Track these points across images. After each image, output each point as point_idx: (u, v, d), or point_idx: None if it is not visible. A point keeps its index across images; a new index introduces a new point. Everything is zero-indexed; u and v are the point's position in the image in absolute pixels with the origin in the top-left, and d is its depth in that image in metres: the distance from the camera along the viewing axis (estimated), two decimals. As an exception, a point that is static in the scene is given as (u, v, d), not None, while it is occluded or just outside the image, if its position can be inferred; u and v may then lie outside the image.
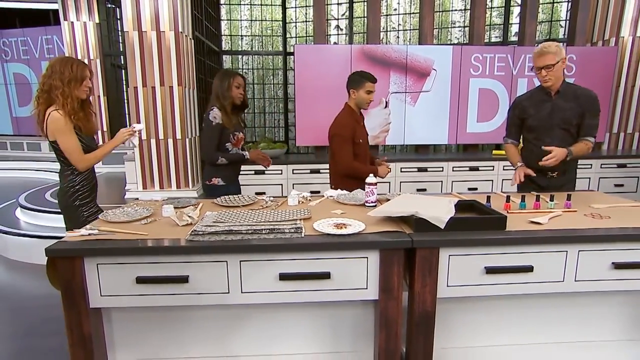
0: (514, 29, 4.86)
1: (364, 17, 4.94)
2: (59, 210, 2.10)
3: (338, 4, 5.06)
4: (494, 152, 4.40)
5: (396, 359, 1.48)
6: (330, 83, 4.16)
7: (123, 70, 6.45)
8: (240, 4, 5.13)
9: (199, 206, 1.87)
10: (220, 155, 2.32)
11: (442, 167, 4.11)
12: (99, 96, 6.06)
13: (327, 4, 4.92)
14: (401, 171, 4.06)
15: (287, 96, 5.19)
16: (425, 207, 1.52)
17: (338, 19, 5.09)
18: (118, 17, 6.27)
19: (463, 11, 4.92)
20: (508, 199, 1.78)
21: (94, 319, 1.41)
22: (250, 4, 5.12)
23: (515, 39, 4.83)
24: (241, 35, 5.20)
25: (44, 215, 3.70)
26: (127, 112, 6.36)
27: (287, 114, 5.20)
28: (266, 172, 3.89)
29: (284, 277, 1.39)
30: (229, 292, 1.41)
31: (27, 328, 2.39)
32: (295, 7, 5.12)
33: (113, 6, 6.23)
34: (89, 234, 1.44)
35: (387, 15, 5.03)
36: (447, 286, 1.45)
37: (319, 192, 2.28)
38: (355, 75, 2.36)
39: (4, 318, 2.53)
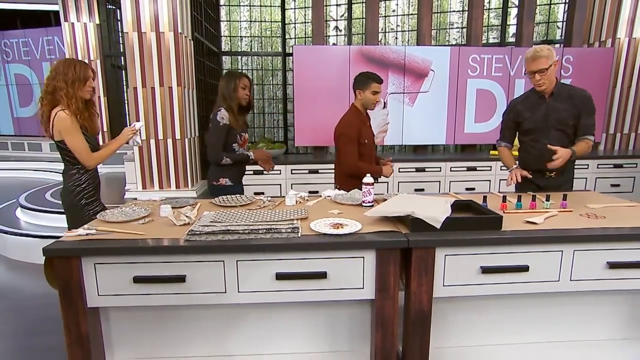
0: (512, 30, 4.87)
1: (362, 18, 4.95)
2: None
3: (337, 5, 5.07)
4: (492, 152, 4.41)
5: (392, 358, 1.49)
6: (329, 83, 4.17)
7: (123, 71, 6.47)
8: (239, 6, 5.15)
9: (197, 206, 1.88)
10: (225, 155, 2.33)
11: (440, 167, 4.12)
12: (99, 97, 6.08)
13: (326, 5, 4.93)
14: (399, 171, 4.06)
15: (286, 97, 5.20)
16: (422, 207, 1.52)
17: (337, 20, 5.11)
18: (118, 18, 6.28)
19: (461, 12, 4.93)
20: (504, 199, 1.79)
21: (92, 319, 1.42)
22: (250, 5, 5.14)
23: (512, 40, 4.85)
24: (241, 36, 5.21)
25: (44, 215, 3.71)
26: (127, 113, 6.37)
27: (287, 114, 5.21)
28: (265, 172, 3.90)
29: (280, 276, 1.40)
30: (225, 292, 1.41)
31: (27, 327, 2.41)
32: (295, 9, 5.13)
33: (113, 7, 6.25)
34: (87, 234, 1.45)
35: (385, 16, 5.04)
36: (443, 286, 1.46)
37: (317, 192, 2.29)
38: (361, 76, 2.38)
39: (5, 317, 2.55)
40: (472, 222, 1.51)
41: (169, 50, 3.36)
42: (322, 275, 1.41)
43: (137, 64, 3.36)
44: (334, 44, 5.13)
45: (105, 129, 6.18)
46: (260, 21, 5.19)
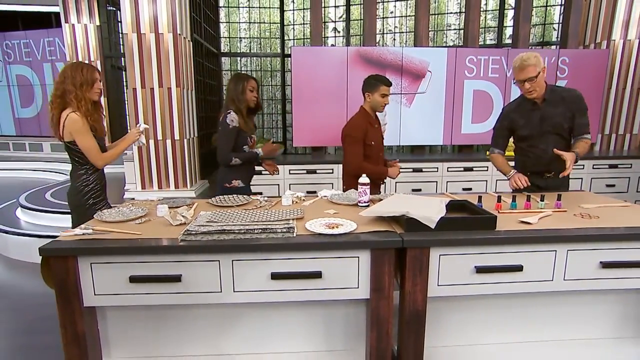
0: (508, 31, 4.89)
1: (360, 19, 4.96)
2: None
3: (335, 6, 5.09)
4: (488, 153, 4.41)
5: (387, 357, 1.50)
6: (327, 84, 4.18)
7: (123, 72, 6.48)
8: (239, 7, 5.17)
9: (194, 206, 1.89)
10: (234, 156, 2.35)
11: (437, 168, 4.13)
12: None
13: (324, 7, 4.95)
14: (397, 172, 4.07)
15: (285, 97, 5.22)
16: (417, 207, 1.54)
17: (335, 22, 5.13)
18: (118, 20, 6.30)
19: (458, 14, 4.95)
20: (499, 199, 1.81)
21: (88, 318, 1.43)
22: (249, 7, 5.16)
23: (509, 41, 4.87)
24: (240, 38, 5.23)
25: (44, 215, 3.72)
26: (127, 113, 6.38)
27: (285, 114, 5.22)
28: (263, 172, 3.91)
29: (275, 276, 1.41)
30: (221, 292, 1.43)
31: (26, 326, 2.42)
32: (293, 10, 5.15)
33: (113, 9, 6.27)
34: (83, 234, 1.46)
35: (383, 17, 5.06)
36: (438, 285, 1.47)
37: (314, 192, 2.30)
38: (370, 79, 2.40)
39: (5, 316, 2.56)
40: (467, 222, 1.52)
41: (168, 51, 3.37)
42: (317, 275, 1.42)
43: (137, 65, 3.38)
44: (332, 45, 5.15)
45: (105, 129, 6.19)
46: (260, 22, 5.21)
